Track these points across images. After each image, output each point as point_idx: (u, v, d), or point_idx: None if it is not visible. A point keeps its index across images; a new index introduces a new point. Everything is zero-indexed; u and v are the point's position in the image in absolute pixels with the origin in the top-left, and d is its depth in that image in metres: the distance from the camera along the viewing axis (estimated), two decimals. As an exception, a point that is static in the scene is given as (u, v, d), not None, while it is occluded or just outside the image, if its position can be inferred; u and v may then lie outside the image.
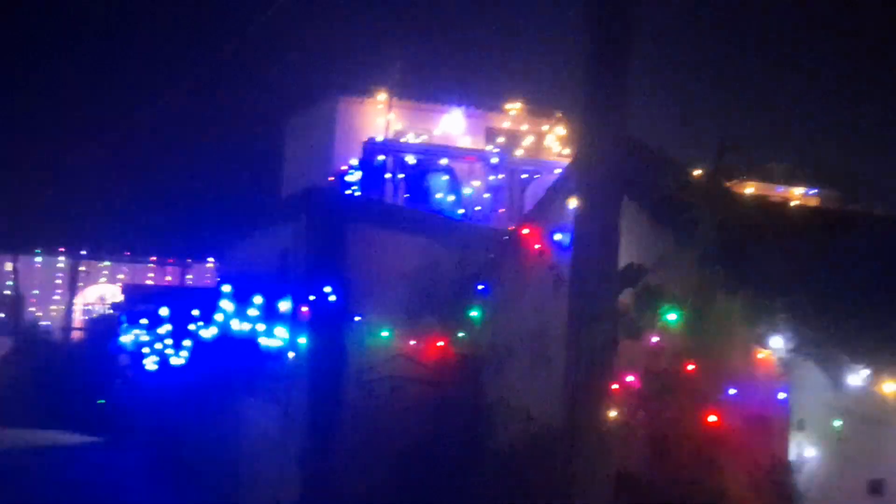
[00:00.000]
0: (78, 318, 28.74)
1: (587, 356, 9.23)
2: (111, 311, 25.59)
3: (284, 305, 14.25)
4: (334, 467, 13.28)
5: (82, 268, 28.95)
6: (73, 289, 28.72)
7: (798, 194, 16.30)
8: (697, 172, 10.16)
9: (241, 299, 15.38)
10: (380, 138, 19.45)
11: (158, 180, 28.23)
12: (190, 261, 28.44)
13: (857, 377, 8.33)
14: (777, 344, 8.82)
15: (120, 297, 24.42)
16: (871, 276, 9.34)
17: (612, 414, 9.40)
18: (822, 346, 8.60)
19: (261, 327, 14.91)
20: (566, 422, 9.39)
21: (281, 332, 14.37)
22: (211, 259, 28.10)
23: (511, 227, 17.34)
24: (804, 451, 8.60)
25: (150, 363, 19.55)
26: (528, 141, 20.74)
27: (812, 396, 8.64)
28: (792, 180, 15.79)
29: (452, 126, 20.50)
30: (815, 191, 16.84)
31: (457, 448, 12.76)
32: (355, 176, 19.55)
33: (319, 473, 13.33)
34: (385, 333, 13.53)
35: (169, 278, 27.61)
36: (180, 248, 27.94)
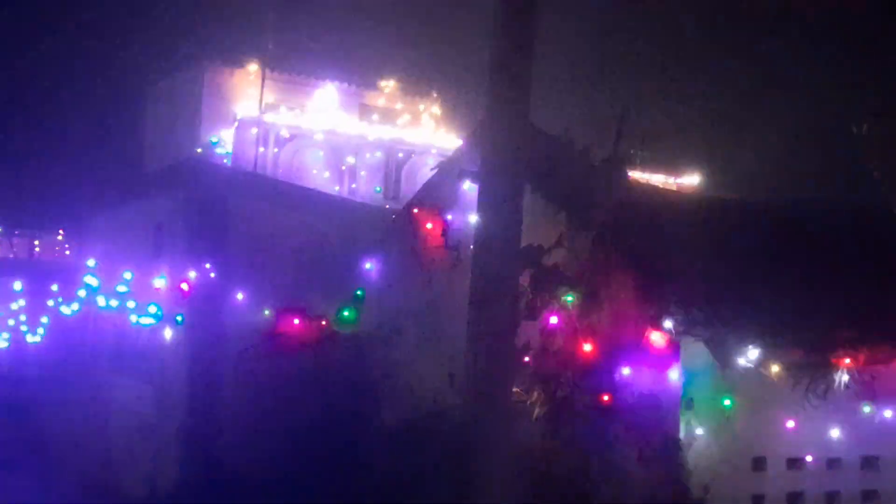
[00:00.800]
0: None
1: (488, 335, 9.31)
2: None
3: (159, 282, 13.60)
4: (211, 449, 12.85)
5: (-86, 237, 26.66)
6: None
7: (681, 181, 17.04)
8: (595, 158, 10.40)
9: (109, 274, 14.58)
10: (251, 111, 18.85)
11: (8, 145, 26.29)
12: (39, 232, 26.67)
13: (744, 357, 8.80)
14: (668, 325, 9.18)
15: (-39, 270, 22.62)
16: (758, 260, 9.86)
17: (510, 393, 9.54)
18: (711, 327, 9.01)
19: (131, 304, 14.19)
20: (467, 400, 9.47)
21: (154, 310, 13.73)
22: (62, 231, 26.44)
23: (388, 206, 17.30)
24: (693, 429, 9.00)
25: (1, 340, 18.26)
26: (404, 119, 20.62)
27: (701, 377, 9.05)
28: (678, 168, 16.48)
29: (326, 101, 20.07)
30: (697, 179, 17.65)
31: (341, 427, 12.60)
32: (226, 148, 18.89)
33: (195, 455, 12.87)
34: (267, 311, 13.15)
35: (15, 250, 25.80)
36: (29, 218, 26.13)
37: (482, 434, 9.38)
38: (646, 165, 16.38)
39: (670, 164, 18.14)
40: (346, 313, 12.89)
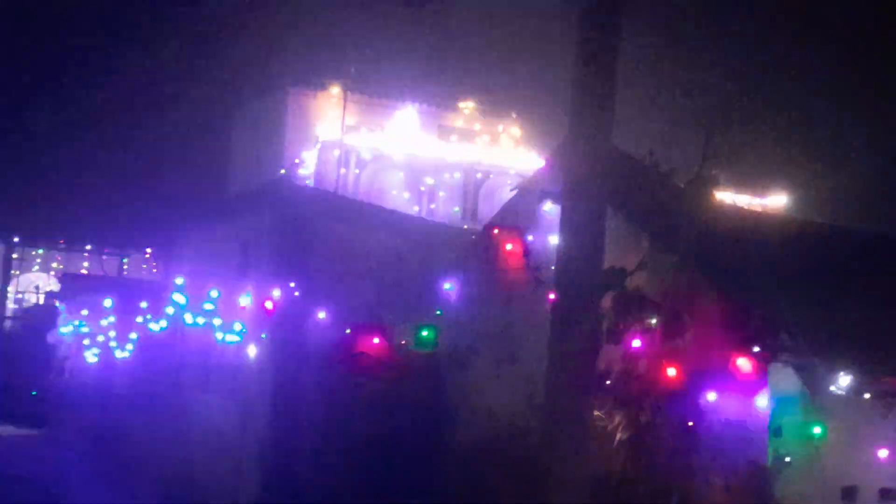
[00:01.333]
0: (11, 308, 27.63)
1: (569, 358, 9.27)
2: (47, 301, 24.66)
3: (244, 300, 13.92)
4: (294, 466, 13.04)
5: (15, 255, 27.84)
6: (5, 277, 27.58)
7: (768, 203, 16.73)
8: (679, 180, 10.28)
9: (195, 292, 14.97)
10: (333, 133, 19.23)
11: (98, 167, 27.32)
12: (127, 251, 27.59)
13: (835, 384, 8.54)
14: (756, 350, 8.97)
15: (56, 286, 23.51)
16: (848, 285, 9.59)
17: (591, 416, 9.46)
18: (800, 353, 8.78)
19: (217, 322, 14.54)
20: (545, 422, 9.43)
21: (239, 328, 14.04)
22: (149, 250, 27.32)
23: (466, 227, 17.40)
24: (781, 457, 8.76)
25: (91, 356, 18.90)
26: (483, 140, 20.75)
27: (790, 404, 8.81)
28: (765, 190, 16.19)
29: (406, 122, 20.35)
30: (784, 200, 17.31)
31: (419, 446, 12.66)
32: (309, 169, 19.30)
33: (279, 472, 13.08)
34: (348, 330, 13.32)
35: (105, 268, 26.73)
36: (117, 237, 27.06)
37: (560, 458, 9.33)
38: (731, 186, 16.12)
39: (757, 185, 17.82)
40: (424, 333, 12.98)
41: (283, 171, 18.91)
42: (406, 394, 13.25)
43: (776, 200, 18.38)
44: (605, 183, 9.44)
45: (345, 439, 12.91)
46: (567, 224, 9.61)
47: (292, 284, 13.26)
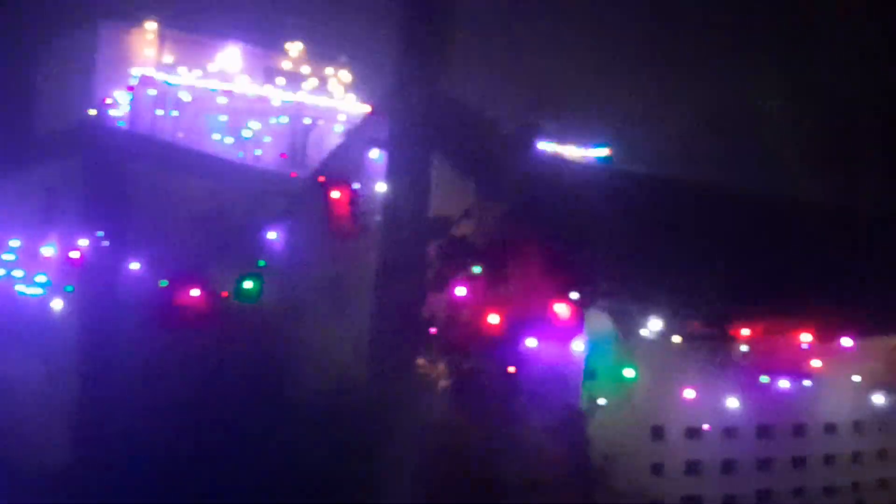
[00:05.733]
0: None
1: (395, 307, 9.20)
2: None
3: (48, 250, 12.93)
4: (104, 429, 12.32)
5: None
6: None
7: (592, 154, 17.11)
8: (505, 129, 10.31)
9: (-6, 242, 13.77)
10: (150, 71, 18.10)
11: None
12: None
13: (646, 329, 8.90)
14: (574, 297, 9.20)
15: None
16: (663, 236, 9.96)
17: (417, 365, 9.46)
18: (614, 299, 9.07)
19: (18, 273, 13.46)
20: (373, 372, 9.36)
21: (42, 280, 13.06)
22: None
23: (294, 174, 16.91)
24: (595, 400, 9.07)
25: None
26: (311, 84, 20.13)
27: (604, 348, 9.11)
28: (589, 141, 16.53)
29: (229, 63, 19.42)
30: (607, 151, 17.75)
31: (242, 406, 12.27)
32: (121, 110, 18.15)
33: (86, 436, 12.32)
34: (163, 282, 12.65)
35: None
36: None
37: (387, 407, 9.31)
38: (556, 137, 16.40)
39: (583, 137, 18.20)
40: (247, 285, 12.50)
41: (92, 112, 17.67)
42: (229, 350, 12.78)
43: (600, 151, 18.90)
44: (432, 131, 9.34)
45: (160, 399, 12.30)
46: (393, 172, 9.47)
47: (101, 233, 12.42)
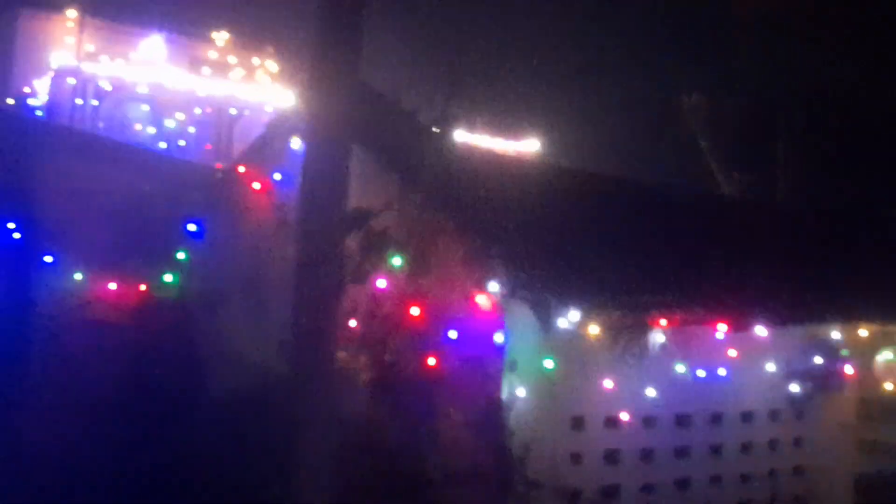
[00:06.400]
0: None
1: (313, 300, 9.06)
2: None
3: (-46, 243, 12.44)
4: (13, 430, 11.90)
5: None
6: None
7: (521, 147, 17.17)
8: (425, 120, 10.23)
9: None
10: (70, 60, 17.60)
11: None
12: None
13: (565, 320, 8.92)
14: (494, 288, 9.18)
15: None
16: (583, 228, 10.01)
17: (337, 359, 9.34)
18: (534, 290, 9.07)
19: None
20: (290, 368, 9.21)
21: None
22: None
23: (220, 165, 16.60)
24: (515, 391, 9.07)
25: None
26: (237, 74, 19.80)
27: (525, 339, 9.11)
28: (512, 132, 16.57)
29: (152, 52, 18.98)
30: (537, 144, 17.84)
31: (164, 399, 11.99)
32: (39, 100, 17.63)
33: None
34: (79, 276, 12.29)
35: None
36: None
37: (306, 402, 9.18)
38: (483, 129, 16.42)
39: (510, 130, 18.26)
40: (167, 278, 12.25)
41: (10, 102, 17.13)
42: (147, 345, 12.48)
43: (529, 145, 18.98)
44: (351, 120, 9.21)
45: (74, 396, 11.94)
46: (313, 163, 9.31)
47: (12, 225, 11.99)
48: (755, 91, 16.37)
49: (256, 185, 11.48)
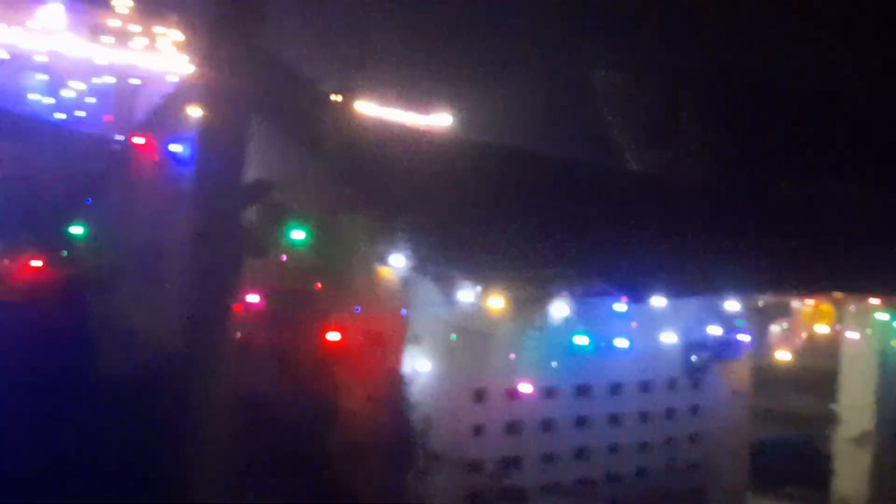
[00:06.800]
0: None
1: (211, 275, 8.87)
2: None
3: None
4: None
5: None
6: None
7: (432, 121, 17.06)
8: (329, 92, 10.07)
9: None
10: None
11: None
12: None
13: (468, 294, 8.93)
14: (397, 261, 9.14)
15: None
16: (483, 198, 10.01)
17: (236, 334, 9.18)
18: (438, 264, 9.07)
19: None
20: (188, 344, 9.02)
21: None
22: None
23: (119, 137, 16.08)
24: (418, 364, 9.06)
25: None
26: (140, 43, 19.16)
27: (429, 313, 9.10)
28: (424, 107, 16.45)
29: (51, 19, 18.22)
30: (449, 119, 17.74)
31: (62, 376, 11.58)
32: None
33: None
34: (-32, 250, 11.76)
35: None
36: None
37: (206, 381, 9.02)
38: (394, 104, 16.23)
39: (421, 105, 18.10)
40: (63, 252, 11.84)
41: None
42: (44, 320, 12.02)
43: (441, 120, 18.86)
44: (251, 89, 9.00)
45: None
46: (209, 133, 9.09)
47: None
48: (661, 69, 16.60)
49: (155, 157, 11.13)
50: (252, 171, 9.39)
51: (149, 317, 10.78)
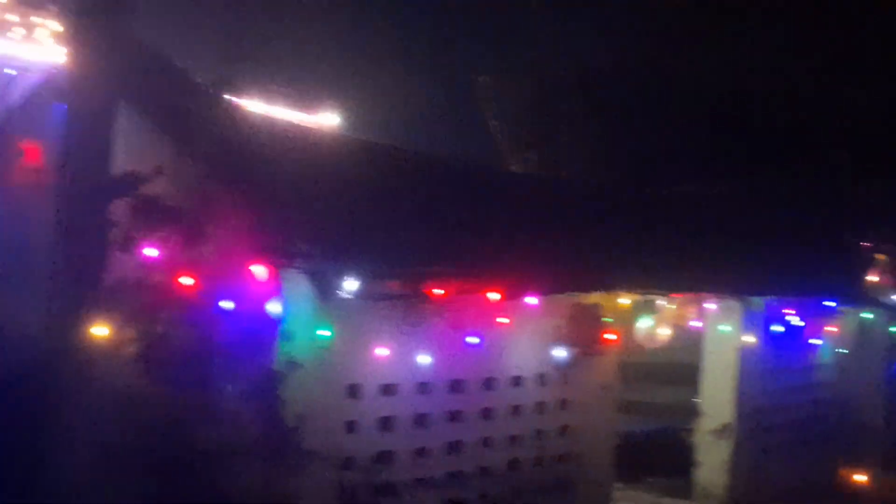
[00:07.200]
0: None
1: (77, 270, 8.67)
2: None
3: None
4: None
5: None
6: None
7: (319, 120, 16.94)
8: (202, 82, 9.93)
9: None
10: None
11: None
12: None
13: (342, 290, 8.95)
14: (271, 257, 9.08)
15: None
16: (358, 194, 10.07)
17: (101, 332, 8.98)
18: (311, 260, 9.05)
19: None
20: (52, 341, 8.79)
21: None
22: None
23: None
24: (291, 361, 9.01)
25: None
26: (17, 34, 18.37)
27: (302, 309, 9.07)
28: (309, 106, 16.33)
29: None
30: (337, 119, 17.63)
31: None
32: None
33: None
34: None
35: None
36: None
37: (71, 379, 8.80)
38: (280, 102, 16.06)
39: (306, 103, 17.99)
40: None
41: None
42: None
43: (328, 119, 18.79)
44: (119, 78, 8.83)
45: None
46: (75, 123, 8.87)
47: None
48: (541, 72, 17.03)
49: (19, 150, 10.77)
50: (120, 163, 9.21)
51: (10, 314, 10.43)
